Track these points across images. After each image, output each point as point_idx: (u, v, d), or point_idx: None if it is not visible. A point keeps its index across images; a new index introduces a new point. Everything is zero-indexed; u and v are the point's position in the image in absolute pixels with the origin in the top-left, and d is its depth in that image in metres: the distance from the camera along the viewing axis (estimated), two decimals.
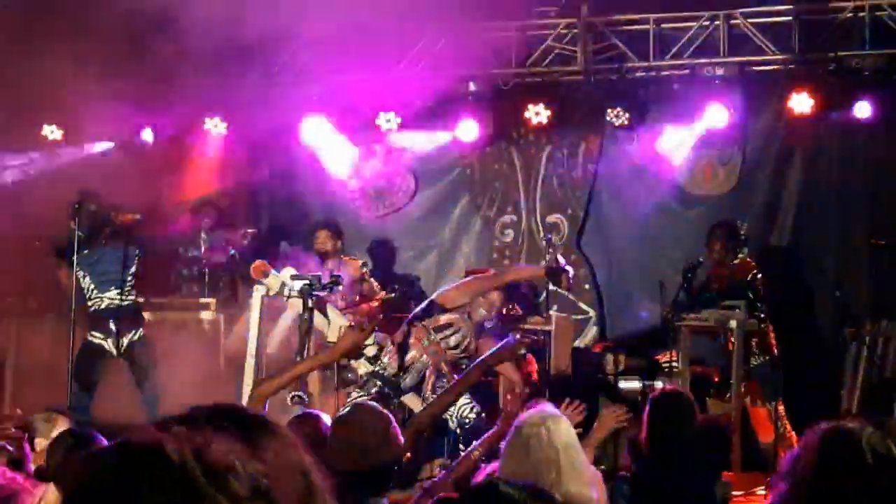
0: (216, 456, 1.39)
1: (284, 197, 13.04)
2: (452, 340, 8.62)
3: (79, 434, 5.22)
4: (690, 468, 5.73)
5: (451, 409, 7.98)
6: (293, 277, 8.03)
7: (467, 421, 8.32)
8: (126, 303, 9.64)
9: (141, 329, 9.71)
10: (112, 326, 9.54)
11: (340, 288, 8.42)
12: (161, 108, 11.91)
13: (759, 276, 9.87)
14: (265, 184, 13.08)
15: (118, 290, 9.59)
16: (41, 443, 5.98)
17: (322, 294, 8.06)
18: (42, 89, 10.68)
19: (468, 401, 8.42)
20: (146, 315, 10.02)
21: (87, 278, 9.57)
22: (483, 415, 8.40)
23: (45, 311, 10.59)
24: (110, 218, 9.60)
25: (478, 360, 6.00)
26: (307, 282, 7.83)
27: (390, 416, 4.52)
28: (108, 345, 9.58)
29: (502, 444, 4.28)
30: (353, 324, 7.79)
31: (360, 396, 8.41)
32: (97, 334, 9.54)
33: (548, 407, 4.31)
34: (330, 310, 8.85)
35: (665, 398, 6.07)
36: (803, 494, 2.44)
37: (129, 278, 9.68)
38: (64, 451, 4.94)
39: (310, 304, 7.75)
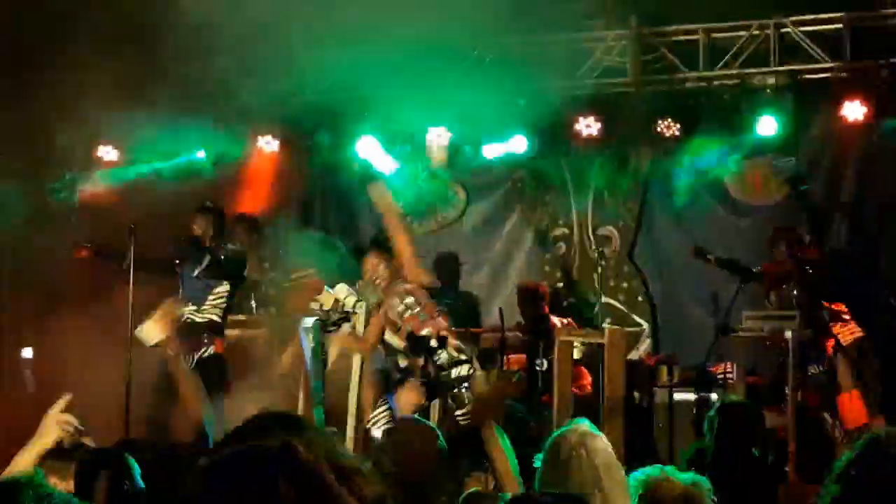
0: (345, 459, 1.45)
1: (337, 212, 13.10)
2: None
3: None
4: (755, 478, 5.73)
5: None
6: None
7: None
8: (201, 320, 9.75)
9: (212, 347, 9.79)
10: (185, 342, 9.67)
11: (349, 322, 8.53)
12: (215, 126, 12.04)
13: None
14: (319, 200, 13.16)
15: (195, 307, 9.73)
16: None
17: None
18: (96, 110, 10.82)
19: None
20: None
21: (180, 292, 9.78)
22: None
23: None
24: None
25: None
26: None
27: (437, 433, 4.55)
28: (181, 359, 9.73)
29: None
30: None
31: None
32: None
33: (583, 425, 4.20)
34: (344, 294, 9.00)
35: (732, 408, 6.06)
36: (853, 496, 2.44)
37: (211, 297, 9.80)
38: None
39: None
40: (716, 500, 3.87)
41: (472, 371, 9.02)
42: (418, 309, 8.71)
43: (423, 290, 8.87)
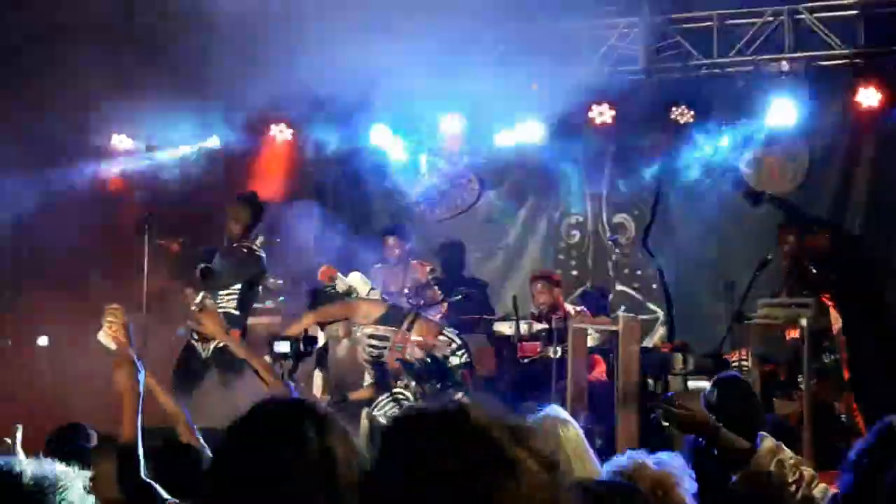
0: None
1: (350, 200, 13.09)
2: None
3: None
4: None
5: None
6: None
7: None
8: (219, 311, 9.82)
9: None
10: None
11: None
12: (227, 115, 12.05)
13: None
14: (331, 187, 13.15)
15: (213, 299, 9.79)
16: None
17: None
18: (110, 98, 10.83)
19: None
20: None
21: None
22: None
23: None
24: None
25: None
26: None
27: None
28: (199, 348, 9.80)
29: None
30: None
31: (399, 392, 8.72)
32: (195, 336, 9.76)
33: (556, 411, 4.18)
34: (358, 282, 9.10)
35: (722, 382, 6.03)
36: (866, 484, 2.43)
37: (223, 292, 9.84)
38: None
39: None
40: (693, 475, 3.86)
41: (467, 358, 9.10)
42: (388, 343, 8.83)
43: (378, 308, 9.05)
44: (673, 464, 3.88)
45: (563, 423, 4.04)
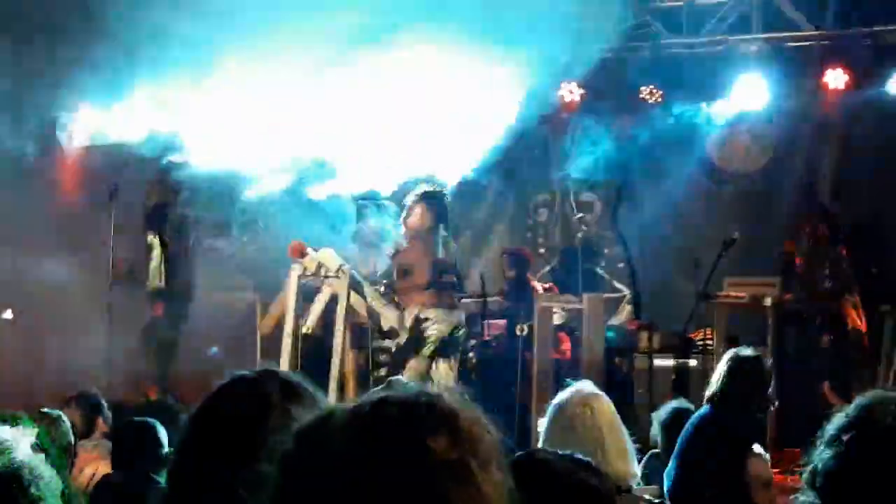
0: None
1: None
2: None
3: None
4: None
5: None
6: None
7: None
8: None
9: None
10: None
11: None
12: None
13: None
14: None
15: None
16: None
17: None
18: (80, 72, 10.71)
19: None
20: None
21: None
22: None
23: None
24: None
25: None
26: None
27: None
28: None
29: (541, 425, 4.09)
30: None
31: None
32: None
33: (587, 385, 4.15)
34: (367, 289, 9.05)
35: (747, 362, 5.88)
36: (849, 461, 2.43)
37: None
38: None
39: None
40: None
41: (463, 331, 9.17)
42: None
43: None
44: None
45: (596, 396, 4.01)
